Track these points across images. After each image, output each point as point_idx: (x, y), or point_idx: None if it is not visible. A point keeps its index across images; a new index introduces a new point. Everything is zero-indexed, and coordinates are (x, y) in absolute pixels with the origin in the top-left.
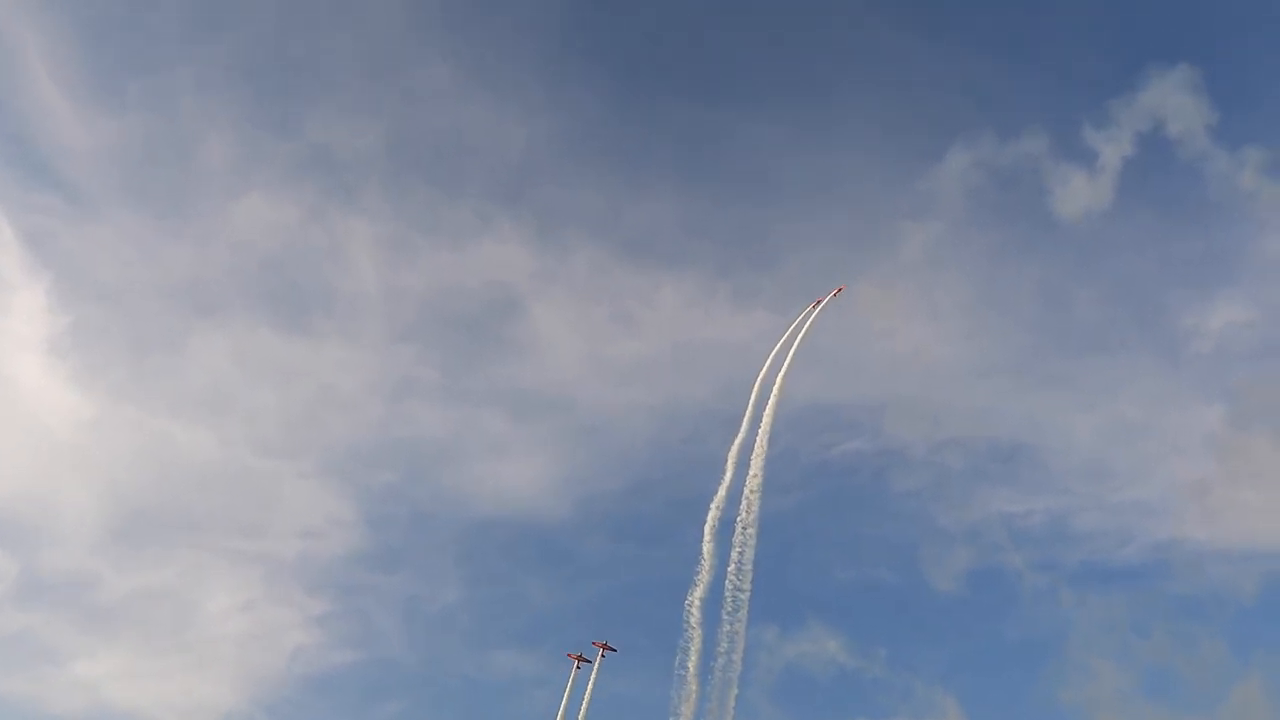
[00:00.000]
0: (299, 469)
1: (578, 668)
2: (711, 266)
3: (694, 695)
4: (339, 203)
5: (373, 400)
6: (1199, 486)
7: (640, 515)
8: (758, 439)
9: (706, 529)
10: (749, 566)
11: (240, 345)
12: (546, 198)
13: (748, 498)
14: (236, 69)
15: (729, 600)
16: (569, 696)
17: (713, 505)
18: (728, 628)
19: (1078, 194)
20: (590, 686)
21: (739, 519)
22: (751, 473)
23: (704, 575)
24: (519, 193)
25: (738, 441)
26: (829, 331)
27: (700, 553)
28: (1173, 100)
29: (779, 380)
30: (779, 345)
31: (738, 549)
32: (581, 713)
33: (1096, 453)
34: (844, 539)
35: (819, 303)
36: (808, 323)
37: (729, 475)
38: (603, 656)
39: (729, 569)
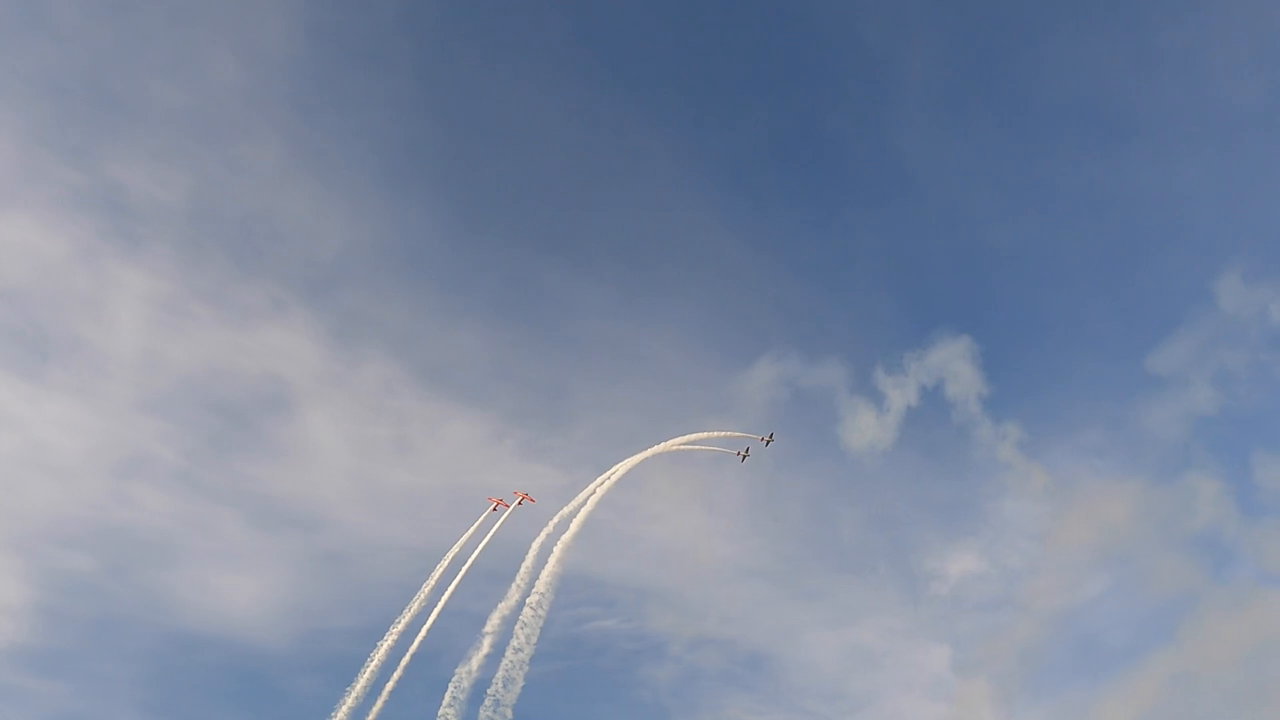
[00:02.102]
0: None
1: (494, 509)
2: (506, 411)
3: None
4: (118, 249)
5: (92, 472)
6: None
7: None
8: (528, 606)
9: (448, 694)
10: None
11: None
12: (351, 302)
13: (509, 672)
14: (42, 83)
15: None
16: (472, 534)
17: (461, 669)
18: None
19: (864, 428)
20: (493, 530)
21: (491, 690)
22: (515, 644)
23: None
24: (323, 290)
25: (505, 605)
26: (605, 504)
27: None
28: (955, 366)
29: (559, 550)
30: (566, 510)
31: None
32: (477, 552)
33: (835, 674)
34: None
35: (744, 455)
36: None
37: (488, 641)
38: (520, 504)
39: None
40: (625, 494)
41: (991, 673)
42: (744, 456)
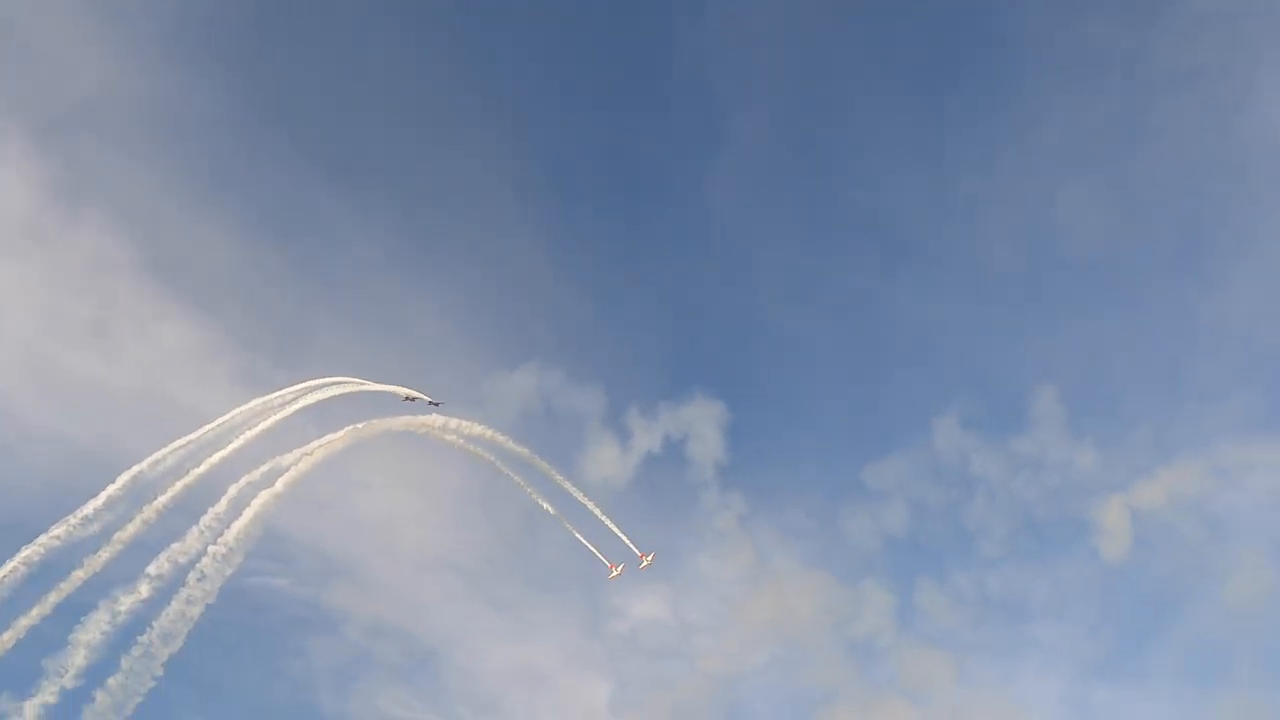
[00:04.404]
0: None
1: (407, 399)
2: (231, 328)
3: None
4: None
5: None
6: None
7: None
8: (210, 556)
9: (83, 630)
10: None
11: None
12: (87, 154)
13: (172, 625)
14: None
15: None
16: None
17: (105, 604)
18: None
19: (604, 460)
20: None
21: (143, 638)
22: (188, 595)
23: (49, 689)
24: (57, 130)
25: (181, 548)
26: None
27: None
28: (702, 427)
29: (260, 502)
30: (285, 459)
31: (122, 676)
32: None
33: (496, 686)
34: (228, 683)
35: (614, 568)
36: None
37: (147, 585)
38: (433, 406)
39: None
40: (341, 454)
41: (644, 718)
42: (616, 573)
